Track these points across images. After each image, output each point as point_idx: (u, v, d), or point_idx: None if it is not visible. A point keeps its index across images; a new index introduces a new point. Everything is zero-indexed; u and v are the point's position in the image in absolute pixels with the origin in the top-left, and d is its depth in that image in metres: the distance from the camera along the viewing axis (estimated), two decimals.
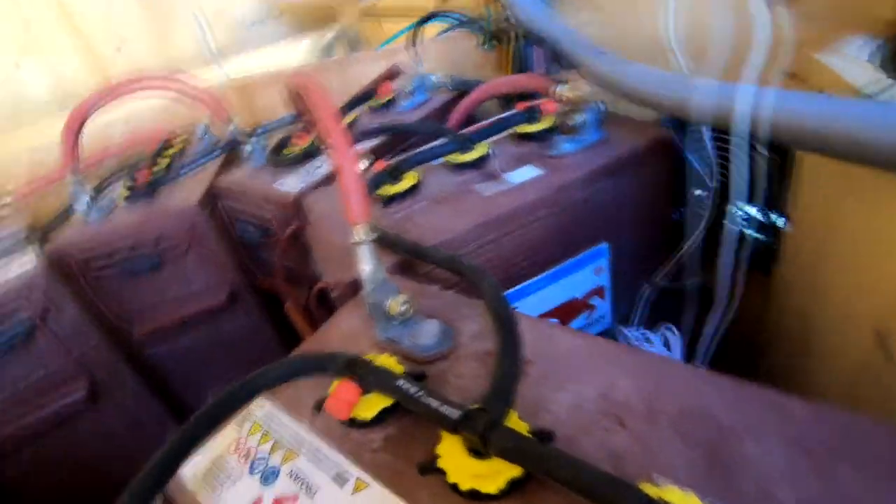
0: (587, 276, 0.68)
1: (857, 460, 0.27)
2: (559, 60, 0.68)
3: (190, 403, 1.00)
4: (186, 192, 0.86)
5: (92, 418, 0.84)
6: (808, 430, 0.29)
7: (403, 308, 0.41)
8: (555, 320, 0.69)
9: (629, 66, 0.57)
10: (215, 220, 0.86)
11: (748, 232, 0.79)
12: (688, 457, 0.29)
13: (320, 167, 0.80)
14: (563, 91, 0.68)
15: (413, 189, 0.63)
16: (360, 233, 0.41)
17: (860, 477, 0.27)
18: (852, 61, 0.47)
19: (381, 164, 0.64)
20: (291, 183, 0.77)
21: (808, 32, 0.58)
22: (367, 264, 0.42)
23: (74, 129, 0.77)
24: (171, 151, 1.08)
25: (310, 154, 0.80)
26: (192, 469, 0.36)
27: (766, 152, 0.64)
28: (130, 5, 1.44)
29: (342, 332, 0.46)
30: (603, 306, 0.72)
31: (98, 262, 0.82)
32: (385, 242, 0.49)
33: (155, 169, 0.97)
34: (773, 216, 0.75)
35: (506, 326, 0.36)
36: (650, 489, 0.26)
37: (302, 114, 0.53)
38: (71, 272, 0.81)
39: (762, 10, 0.59)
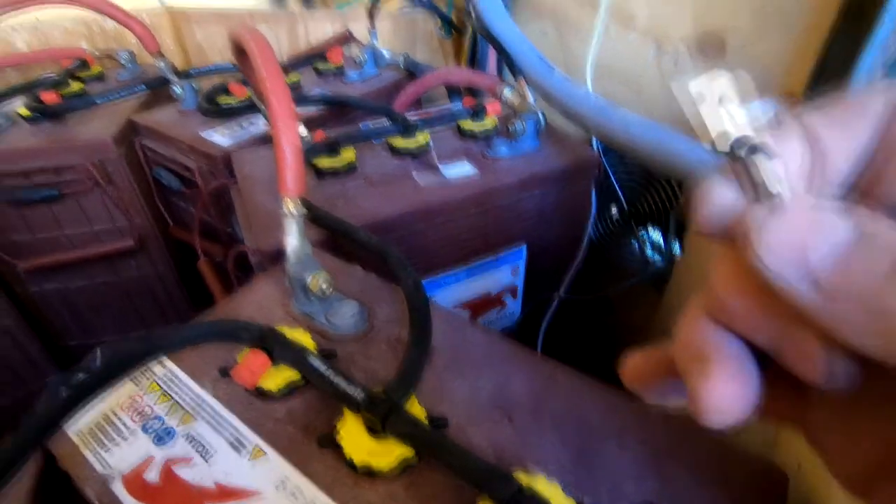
0: (504, 274, 0.72)
1: (690, 463, 0.33)
2: (509, 65, 0.70)
3: (77, 349, 0.93)
4: (100, 124, 0.79)
5: None
6: (658, 433, 0.34)
7: (324, 286, 0.42)
8: (467, 312, 0.72)
9: (570, 86, 0.61)
10: (130, 159, 0.80)
11: (650, 255, 0.87)
12: (560, 452, 0.33)
13: (256, 124, 0.77)
14: (509, 96, 0.70)
15: (350, 166, 0.63)
16: (291, 206, 0.41)
17: (691, 478, 0.32)
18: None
19: (320, 135, 0.64)
20: (222, 136, 0.74)
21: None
22: (293, 238, 0.42)
23: None
24: (86, 74, 0.98)
25: (246, 108, 0.76)
26: (77, 422, 0.35)
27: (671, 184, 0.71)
28: None
29: (258, 299, 0.46)
30: (513, 304, 0.77)
31: None
32: (315, 218, 0.49)
33: (65, 91, 0.88)
34: (673, 243, 0.83)
35: (419, 318, 0.38)
36: (522, 477, 0.29)
37: (244, 70, 0.51)
38: None
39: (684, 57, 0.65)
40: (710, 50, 0.64)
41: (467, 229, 0.63)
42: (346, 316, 0.42)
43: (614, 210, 0.86)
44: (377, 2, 0.90)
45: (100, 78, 0.99)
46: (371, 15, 0.92)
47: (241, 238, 0.71)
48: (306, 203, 0.43)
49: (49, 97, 0.79)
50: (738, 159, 0.14)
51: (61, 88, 0.88)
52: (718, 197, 0.14)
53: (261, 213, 0.58)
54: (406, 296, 0.40)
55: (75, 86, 0.91)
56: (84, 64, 0.99)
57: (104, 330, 0.94)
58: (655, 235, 0.85)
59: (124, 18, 0.77)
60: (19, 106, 0.79)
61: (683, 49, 0.67)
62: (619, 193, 0.81)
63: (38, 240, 0.81)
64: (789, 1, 0.55)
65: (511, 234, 0.68)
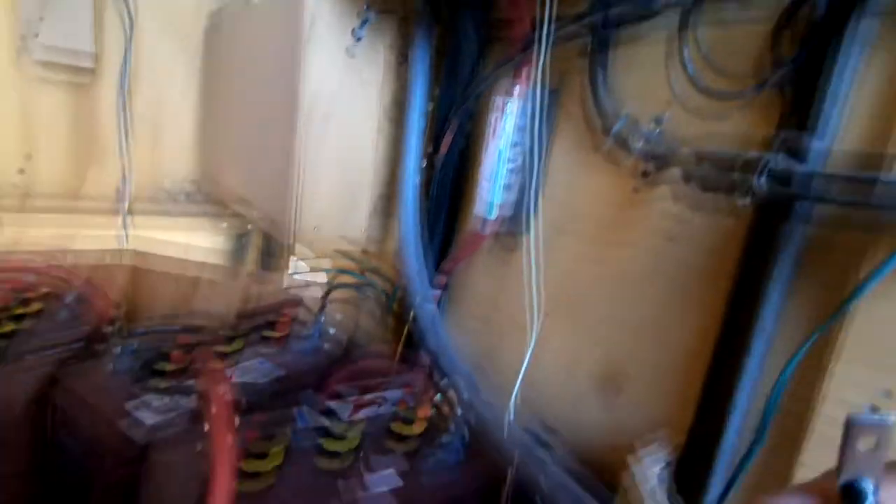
0: None
1: None
2: (441, 377, 0.79)
3: None
4: (16, 386, 0.75)
5: None
6: None
7: None
8: None
9: (495, 414, 0.68)
10: (36, 421, 0.74)
11: None
12: None
13: (187, 399, 0.76)
14: (440, 403, 0.77)
15: (275, 468, 0.63)
16: None
17: None
18: (649, 476, 0.61)
19: (252, 435, 0.64)
20: (149, 409, 0.72)
21: (629, 424, 0.74)
22: None
23: None
24: (26, 311, 0.97)
25: (180, 386, 0.77)
26: None
27: None
28: (59, 132, 1.43)
29: None
30: None
31: None
32: None
33: None
34: None
35: None
36: None
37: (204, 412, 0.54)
38: None
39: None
40: (610, 390, 0.76)
41: None
42: None
43: None
44: (332, 289, 1.03)
45: (38, 315, 0.98)
46: (324, 296, 1.03)
47: None
48: None
49: None
50: None
51: None
52: None
53: None
54: None
55: (8, 326, 0.89)
56: (25, 299, 0.99)
57: None
58: None
59: (83, 288, 0.82)
60: None
61: (588, 381, 0.79)
62: None
63: None
64: (671, 373, 0.69)
65: None
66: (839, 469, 0.18)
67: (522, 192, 0.85)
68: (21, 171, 1.44)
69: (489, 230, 0.82)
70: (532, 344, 0.83)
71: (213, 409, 0.44)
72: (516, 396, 0.73)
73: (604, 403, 0.77)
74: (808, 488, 0.19)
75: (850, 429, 0.17)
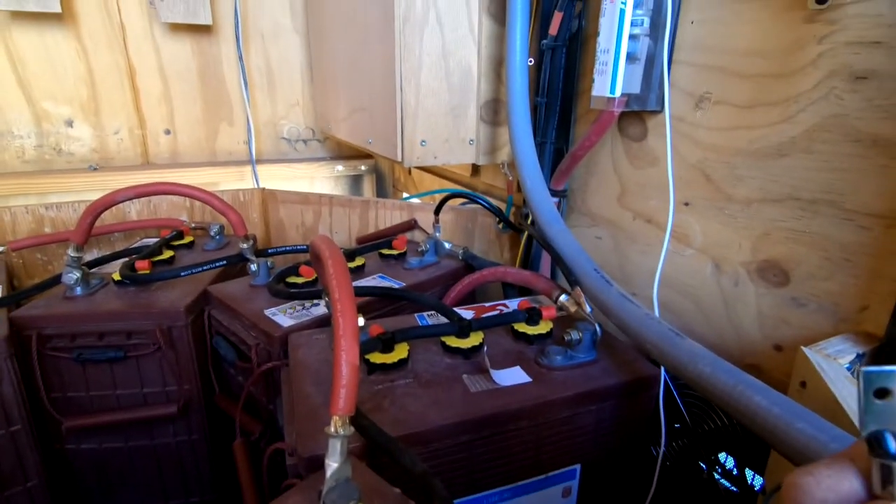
0: (554, 496, 0.64)
1: None
2: (565, 273, 0.72)
3: None
4: (178, 292, 0.85)
5: None
6: None
7: None
8: None
9: (630, 306, 0.61)
10: (196, 326, 0.84)
11: (719, 480, 0.77)
12: None
13: (318, 305, 0.80)
14: (566, 302, 0.71)
15: (401, 361, 0.63)
16: (339, 426, 0.40)
17: None
18: (836, 368, 0.49)
19: (376, 329, 0.65)
20: (285, 315, 0.77)
21: (797, 319, 0.62)
22: (334, 460, 0.40)
23: (94, 213, 0.79)
24: (179, 242, 1.10)
25: (310, 293, 0.80)
26: None
27: None
28: (191, 95, 1.56)
29: None
30: None
31: (58, 342, 0.78)
32: (363, 432, 0.47)
33: (157, 259, 0.98)
34: (749, 473, 0.73)
35: None
36: None
37: (318, 273, 0.55)
38: (27, 345, 0.76)
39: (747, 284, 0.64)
40: (773, 278, 0.64)
41: (517, 444, 0.59)
42: None
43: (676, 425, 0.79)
44: (444, 202, 1.00)
45: (189, 246, 1.10)
46: (437, 213, 1.01)
47: (280, 424, 0.69)
48: (356, 419, 0.42)
49: (141, 265, 0.88)
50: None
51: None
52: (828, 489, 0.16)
53: (305, 407, 0.56)
54: None
55: (167, 254, 1.01)
56: (179, 234, 1.11)
57: (125, 498, 0.89)
58: (728, 461, 0.75)
59: (222, 207, 0.88)
60: (116, 270, 0.88)
61: (744, 272, 0.67)
62: (682, 409, 0.75)
63: (90, 397, 0.82)
64: (856, 254, 0.55)
65: (564, 450, 0.62)
66: (861, 424, 0.18)
67: (651, 61, 0.72)
68: (167, 132, 1.60)
69: (617, 107, 0.71)
70: (668, 235, 0.73)
71: (336, 295, 0.42)
72: (658, 286, 0.65)
73: (765, 297, 0.65)
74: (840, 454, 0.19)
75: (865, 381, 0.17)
